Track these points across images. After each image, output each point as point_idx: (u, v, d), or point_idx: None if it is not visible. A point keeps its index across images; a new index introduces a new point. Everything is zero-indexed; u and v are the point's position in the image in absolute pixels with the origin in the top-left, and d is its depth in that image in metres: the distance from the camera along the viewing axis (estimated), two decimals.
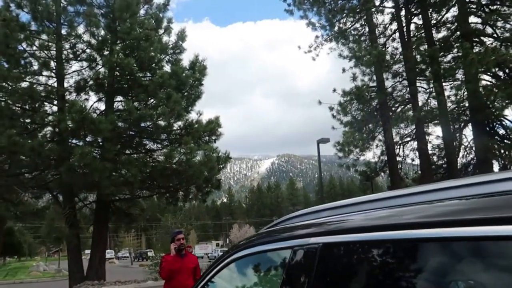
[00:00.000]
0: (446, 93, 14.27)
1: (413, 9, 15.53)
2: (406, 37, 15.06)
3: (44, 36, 12.80)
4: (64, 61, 13.26)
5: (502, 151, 13.41)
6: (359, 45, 15.80)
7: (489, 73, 13.52)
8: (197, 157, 13.47)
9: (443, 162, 16.48)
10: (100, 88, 13.37)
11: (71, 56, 13.42)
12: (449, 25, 15.29)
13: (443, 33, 15.65)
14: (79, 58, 13.40)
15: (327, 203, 1.51)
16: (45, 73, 13.34)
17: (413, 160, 17.29)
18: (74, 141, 13.02)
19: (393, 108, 16.04)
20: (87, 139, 12.77)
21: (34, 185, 13.00)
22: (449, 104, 14.80)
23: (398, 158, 16.62)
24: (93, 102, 14.13)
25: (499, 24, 13.66)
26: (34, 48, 12.83)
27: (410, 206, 1.08)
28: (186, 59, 17.96)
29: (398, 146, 16.84)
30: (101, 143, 12.81)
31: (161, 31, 14.17)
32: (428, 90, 15.27)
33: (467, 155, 15.92)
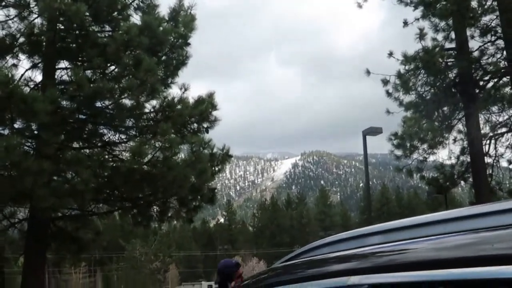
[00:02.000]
0: None
1: None
2: None
3: None
4: None
5: None
6: None
7: None
8: (180, 154, 13.81)
9: None
10: (35, 48, 13.63)
11: None
12: None
13: None
14: (3, 3, 13.70)
15: (377, 224, 1.50)
16: None
17: (510, 162, 17.44)
18: None
19: (481, 83, 16.07)
20: (16, 126, 12.90)
21: None
22: None
23: (488, 159, 16.64)
24: (24, 69, 14.22)
25: None
26: None
27: (506, 229, 1.07)
28: (164, 6, 17.88)
29: (488, 141, 16.85)
30: (36, 132, 12.94)
31: None
32: None
33: None
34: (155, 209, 15.29)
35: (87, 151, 14.32)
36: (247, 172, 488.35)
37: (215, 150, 14.66)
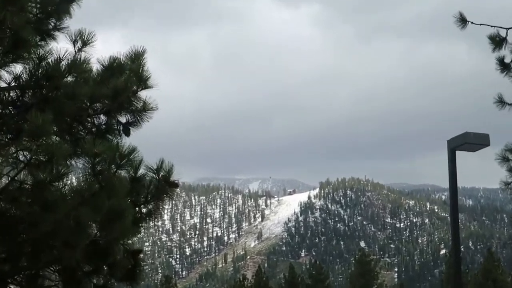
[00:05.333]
0: None
1: None
2: None
3: None
4: None
5: None
6: None
7: None
8: (68, 177, 9.43)
9: None
10: None
11: None
12: None
13: None
14: None
15: None
16: None
17: None
18: None
19: None
20: None
21: None
22: None
23: None
24: None
25: None
26: None
27: None
28: None
29: None
30: None
31: None
32: None
33: None
34: None
35: None
36: (209, 219, 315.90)
37: (142, 171, 9.85)
